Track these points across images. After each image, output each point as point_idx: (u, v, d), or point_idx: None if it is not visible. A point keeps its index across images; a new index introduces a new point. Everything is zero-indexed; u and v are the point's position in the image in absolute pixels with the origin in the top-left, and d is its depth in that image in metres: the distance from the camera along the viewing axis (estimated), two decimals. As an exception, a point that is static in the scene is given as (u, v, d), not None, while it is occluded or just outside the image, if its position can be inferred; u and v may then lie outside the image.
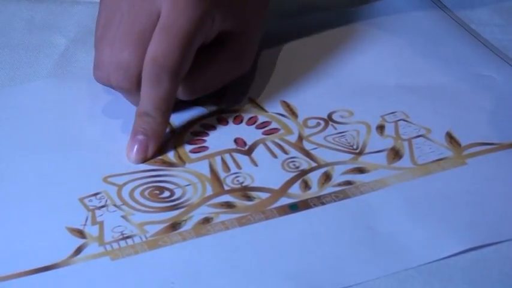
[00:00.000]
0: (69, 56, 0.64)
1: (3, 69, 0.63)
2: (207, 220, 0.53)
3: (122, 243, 0.52)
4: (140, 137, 0.56)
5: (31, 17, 0.67)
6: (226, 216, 0.53)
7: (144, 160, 0.56)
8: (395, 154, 0.56)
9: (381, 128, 0.58)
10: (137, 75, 0.56)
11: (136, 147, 0.56)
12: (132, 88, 0.56)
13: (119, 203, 0.54)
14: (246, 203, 0.54)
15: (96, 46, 0.58)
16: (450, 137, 0.57)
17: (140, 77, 0.56)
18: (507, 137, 0.56)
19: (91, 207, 0.54)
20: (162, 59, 0.55)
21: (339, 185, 0.54)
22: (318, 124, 0.59)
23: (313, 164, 0.56)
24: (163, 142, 0.58)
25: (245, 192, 0.54)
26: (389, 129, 0.58)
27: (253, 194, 0.54)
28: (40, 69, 0.63)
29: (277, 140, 0.58)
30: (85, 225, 0.53)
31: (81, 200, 0.54)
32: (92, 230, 0.52)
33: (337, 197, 0.54)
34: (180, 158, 0.57)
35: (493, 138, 0.57)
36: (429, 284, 0.49)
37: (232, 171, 0.56)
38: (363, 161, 0.56)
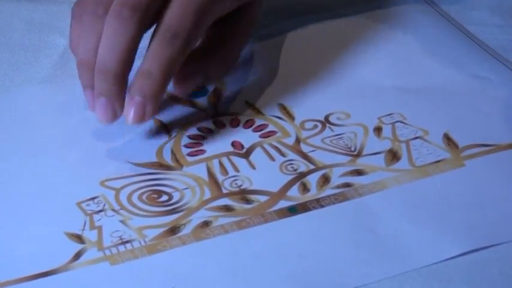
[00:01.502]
0: (68, 57, 0.63)
1: (3, 70, 0.63)
2: (206, 224, 0.53)
3: (121, 248, 0.51)
4: (138, 98, 0.55)
5: (30, 18, 0.66)
6: (225, 220, 0.53)
7: (141, 121, 0.55)
8: (393, 156, 0.56)
9: (378, 130, 0.58)
10: None
11: (133, 108, 0.55)
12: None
13: (117, 207, 0.54)
14: (244, 206, 0.53)
15: None
16: (448, 139, 0.57)
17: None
18: (504, 138, 0.57)
19: (89, 212, 0.53)
20: (176, 26, 0.55)
21: (338, 187, 0.54)
22: (315, 126, 0.59)
23: (311, 167, 0.56)
24: (160, 145, 0.58)
25: (244, 195, 0.54)
26: (386, 131, 0.58)
27: (252, 197, 0.54)
28: (39, 69, 0.63)
29: (274, 143, 0.58)
30: (83, 230, 0.52)
31: (79, 204, 0.54)
32: (90, 235, 0.52)
33: (336, 199, 0.54)
34: (177, 161, 0.57)
35: (491, 139, 0.57)
36: (428, 285, 0.49)
37: (230, 175, 0.55)
38: (361, 163, 0.56)
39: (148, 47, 0.56)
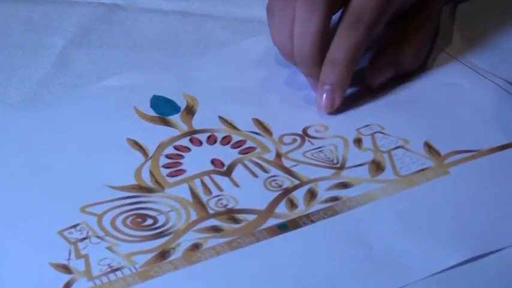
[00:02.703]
0: (66, 57, 0.63)
1: (0, 70, 0.62)
2: (196, 246, 0.51)
3: (111, 276, 0.49)
4: (326, 87, 0.58)
5: (28, 18, 0.66)
6: (215, 241, 0.51)
7: (332, 109, 0.58)
8: (377, 167, 0.56)
9: (358, 142, 0.57)
10: None
11: (324, 96, 0.58)
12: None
13: (101, 233, 0.52)
14: (233, 226, 0.52)
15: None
16: (429, 147, 0.57)
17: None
18: (484, 143, 0.56)
19: (72, 240, 0.51)
20: (360, 10, 0.58)
21: (326, 201, 0.53)
22: (295, 140, 0.58)
23: (296, 182, 0.55)
24: (138, 166, 0.56)
25: (231, 215, 0.53)
26: (366, 142, 0.57)
27: (240, 216, 0.53)
28: (37, 70, 0.62)
29: (255, 159, 0.56)
30: (69, 259, 0.50)
31: (61, 232, 0.52)
32: (77, 264, 0.50)
33: (326, 213, 0.53)
34: (157, 182, 0.55)
35: (471, 145, 0.56)
36: (427, 285, 0.49)
37: (214, 194, 0.54)
38: (346, 175, 0.55)
39: (336, 34, 0.58)
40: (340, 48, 0.58)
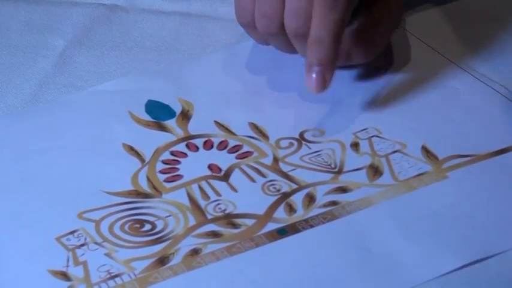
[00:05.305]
0: (66, 58, 0.63)
1: (1, 71, 0.62)
2: (195, 252, 0.51)
3: (111, 282, 0.49)
4: (316, 67, 0.56)
5: (29, 18, 0.66)
6: (214, 246, 0.51)
7: (324, 89, 0.57)
8: (375, 171, 0.55)
9: (355, 146, 0.57)
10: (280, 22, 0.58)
11: (314, 78, 0.56)
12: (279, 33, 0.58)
13: (99, 240, 0.51)
14: (232, 231, 0.52)
15: None
16: (426, 151, 0.57)
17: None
18: (482, 148, 0.57)
19: (70, 247, 0.51)
20: None
21: (324, 206, 0.53)
22: (291, 144, 0.58)
23: (294, 186, 0.54)
24: (135, 172, 0.55)
25: (229, 219, 0.53)
26: (364, 146, 0.57)
27: (238, 221, 0.53)
28: (38, 70, 0.62)
29: (252, 164, 0.56)
30: (67, 266, 0.50)
31: (58, 239, 0.51)
32: (76, 271, 0.50)
33: (325, 218, 0.53)
34: (155, 188, 0.55)
35: (468, 149, 0.56)
36: (427, 286, 0.49)
37: (212, 199, 0.54)
38: (344, 179, 0.55)
39: (313, 12, 0.56)
40: (322, 26, 0.57)
